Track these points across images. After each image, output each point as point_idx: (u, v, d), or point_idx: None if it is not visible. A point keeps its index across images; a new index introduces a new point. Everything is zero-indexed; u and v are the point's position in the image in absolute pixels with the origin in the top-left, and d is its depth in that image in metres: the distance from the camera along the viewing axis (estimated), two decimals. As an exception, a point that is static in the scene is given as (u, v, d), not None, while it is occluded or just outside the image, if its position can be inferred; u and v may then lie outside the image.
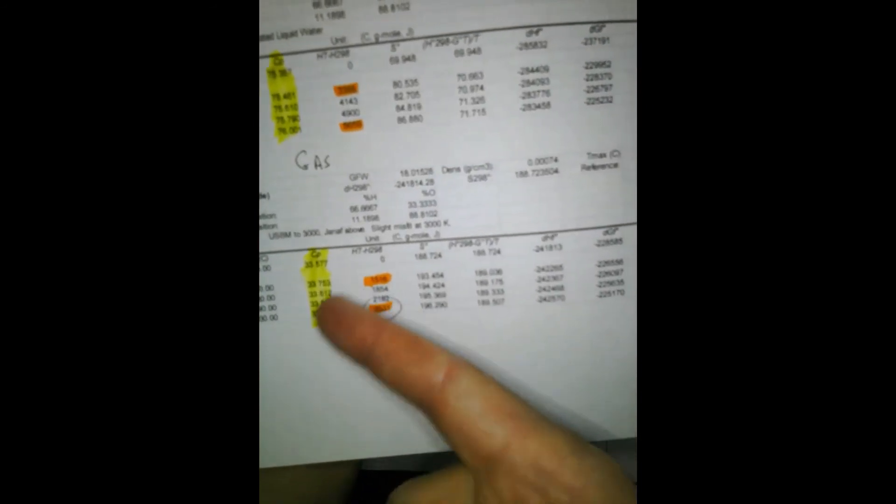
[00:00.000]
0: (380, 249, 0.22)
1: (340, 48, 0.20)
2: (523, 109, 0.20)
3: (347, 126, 0.21)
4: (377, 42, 0.20)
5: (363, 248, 0.22)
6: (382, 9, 0.20)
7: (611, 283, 0.21)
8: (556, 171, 0.21)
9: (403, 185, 0.21)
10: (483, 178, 0.21)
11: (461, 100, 0.20)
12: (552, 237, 0.21)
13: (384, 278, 0.22)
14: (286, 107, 0.21)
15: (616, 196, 0.21)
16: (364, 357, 0.20)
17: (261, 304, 0.22)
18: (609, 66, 0.20)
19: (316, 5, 0.20)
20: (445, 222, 0.21)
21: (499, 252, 0.21)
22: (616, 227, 0.21)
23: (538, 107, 0.20)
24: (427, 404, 0.19)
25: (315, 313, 0.22)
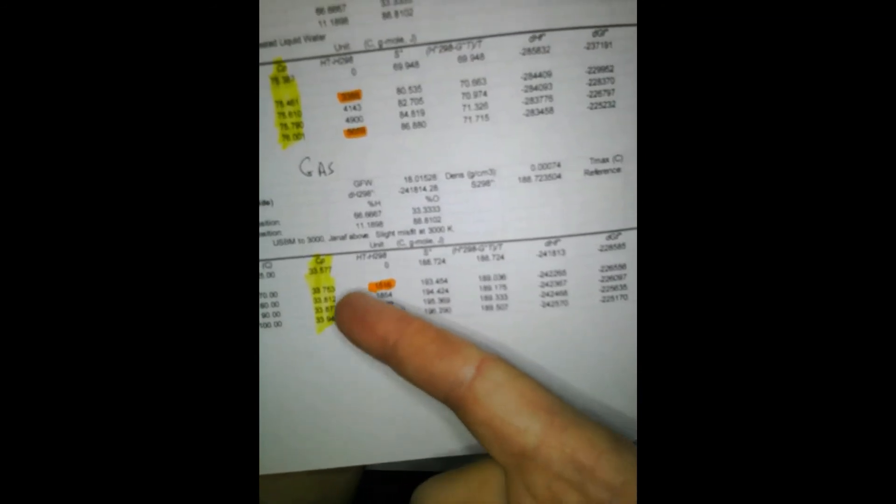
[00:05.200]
0: (384, 255, 0.22)
1: (344, 55, 0.20)
2: (526, 115, 0.20)
3: (351, 132, 0.21)
4: (381, 48, 0.20)
5: (367, 255, 0.22)
6: (386, 15, 0.20)
7: (613, 288, 0.21)
8: (559, 176, 0.21)
9: (407, 191, 0.21)
10: (486, 183, 0.21)
11: (464, 105, 0.20)
12: (555, 242, 0.21)
13: (388, 284, 0.22)
14: (290, 113, 0.21)
15: (618, 201, 0.21)
16: (387, 355, 0.20)
17: (265, 310, 0.22)
18: (611, 71, 0.20)
19: (319, 11, 0.20)
20: (449, 228, 0.21)
21: (502, 257, 0.21)
22: (619, 231, 0.21)
23: (541, 112, 0.20)
24: (455, 400, 0.19)
25: (334, 308, 0.22)
